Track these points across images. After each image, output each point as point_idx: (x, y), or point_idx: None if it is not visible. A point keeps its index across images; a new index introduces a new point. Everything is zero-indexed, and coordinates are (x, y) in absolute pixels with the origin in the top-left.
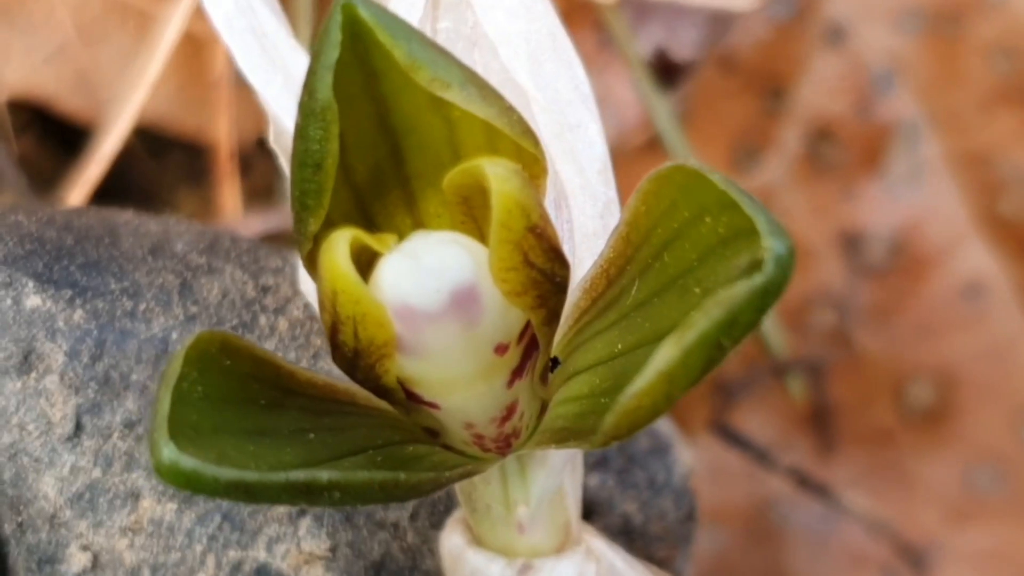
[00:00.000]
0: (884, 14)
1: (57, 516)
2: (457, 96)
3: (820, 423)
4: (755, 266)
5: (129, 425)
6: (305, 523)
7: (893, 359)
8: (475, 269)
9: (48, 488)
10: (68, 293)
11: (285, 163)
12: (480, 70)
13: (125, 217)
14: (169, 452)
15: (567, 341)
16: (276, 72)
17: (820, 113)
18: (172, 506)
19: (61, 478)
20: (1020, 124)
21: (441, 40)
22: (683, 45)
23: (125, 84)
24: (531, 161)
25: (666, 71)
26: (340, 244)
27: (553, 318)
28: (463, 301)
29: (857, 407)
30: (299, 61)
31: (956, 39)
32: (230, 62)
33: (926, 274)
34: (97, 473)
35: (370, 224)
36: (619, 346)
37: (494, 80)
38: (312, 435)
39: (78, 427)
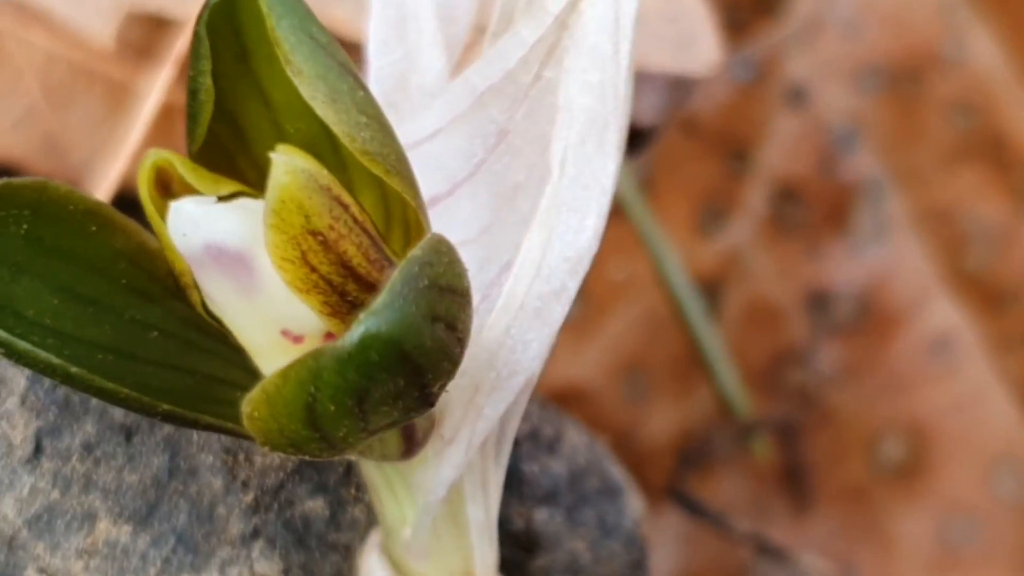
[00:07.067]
0: (844, 74)
1: (16, 538)
2: (304, 86)
3: (794, 483)
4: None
5: (88, 448)
6: (258, 545)
7: (864, 416)
8: (248, 238)
9: (7, 509)
10: None
11: None
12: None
13: None
14: None
15: None
16: (398, 46)
17: (784, 174)
18: (127, 528)
19: (20, 499)
20: (981, 180)
21: (539, 87)
22: (644, 110)
23: (99, 151)
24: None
25: (628, 136)
26: (147, 160)
27: None
28: (223, 260)
29: (830, 465)
30: (433, 56)
31: (916, 97)
32: None
33: (894, 330)
34: (55, 495)
35: None
36: None
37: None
38: (156, 334)
39: (38, 449)
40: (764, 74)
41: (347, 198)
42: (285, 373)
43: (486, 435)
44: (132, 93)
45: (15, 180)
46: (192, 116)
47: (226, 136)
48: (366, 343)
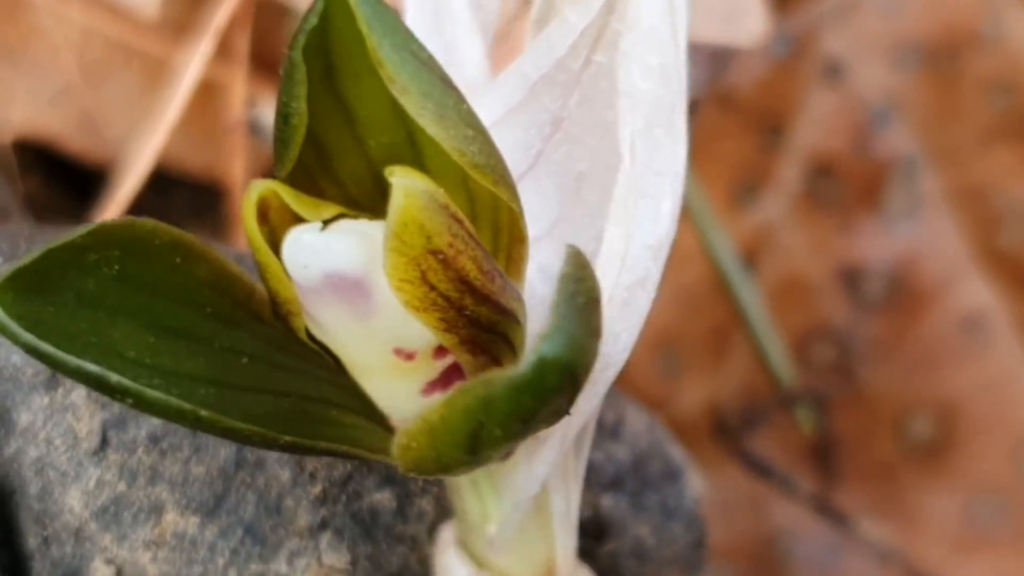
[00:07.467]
0: (881, 51)
1: (82, 530)
2: (412, 104)
3: (823, 456)
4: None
5: (154, 439)
6: (326, 537)
7: (894, 393)
8: (367, 264)
9: (74, 502)
10: None
11: None
12: (612, 115)
13: None
14: None
15: None
16: (437, 40)
17: (819, 150)
18: (195, 520)
19: (87, 492)
20: (1017, 159)
21: (590, 72)
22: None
23: (136, 126)
24: (491, 197)
25: None
26: (254, 192)
27: (477, 350)
28: (341, 287)
29: (859, 441)
30: (472, 46)
31: (953, 75)
32: (245, 107)
33: (925, 308)
34: (122, 487)
35: (386, 199)
36: None
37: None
38: (246, 360)
39: (104, 441)
40: (801, 49)
41: (460, 213)
42: (450, 402)
43: (578, 430)
44: (169, 69)
45: (106, 223)
46: (283, 141)
47: (307, 154)
48: (543, 368)
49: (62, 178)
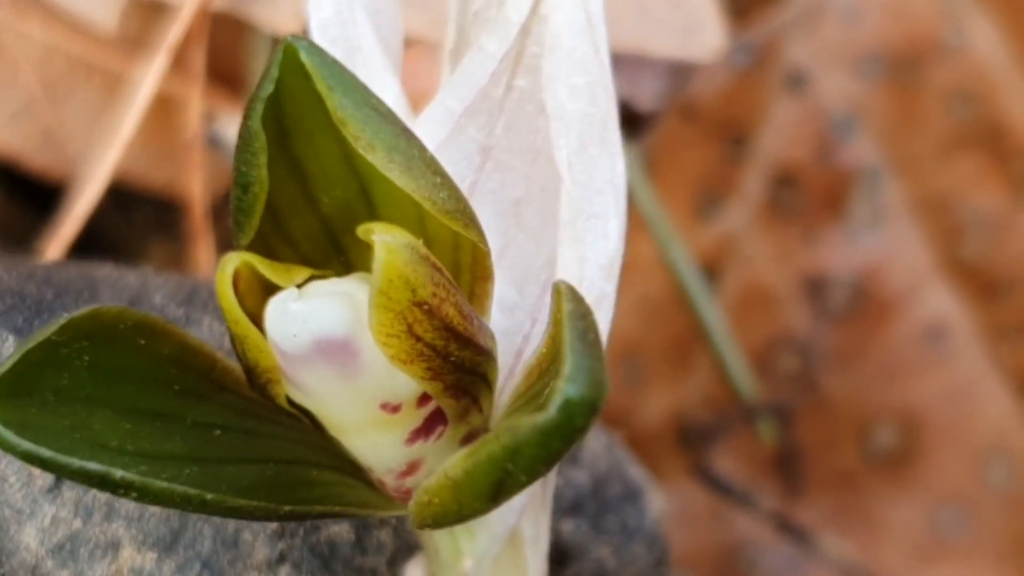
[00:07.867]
0: (844, 61)
1: (39, 567)
2: (379, 160)
3: (787, 466)
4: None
5: None
6: (284, 570)
7: (857, 403)
8: (353, 324)
9: (30, 539)
10: None
11: None
12: (541, 138)
13: (104, 271)
14: None
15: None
16: None
17: (781, 160)
18: (152, 555)
19: (42, 529)
20: (979, 168)
21: (513, 97)
22: (645, 96)
23: (97, 142)
24: (451, 238)
25: (629, 122)
26: (227, 266)
27: (459, 394)
28: (330, 351)
29: (823, 450)
30: (387, 84)
31: (915, 85)
32: (202, 121)
33: (888, 318)
34: (78, 524)
35: (341, 254)
36: None
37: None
38: (219, 432)
39: (59, 478)
40: (764, 59)
41: (437, 260)
42: (474, 454)
43: None
44: (128, 83)
45: (74, 315)
46: (243, 210)
47: (262, 218)
48: (570, 410)
49: (25, 195)
